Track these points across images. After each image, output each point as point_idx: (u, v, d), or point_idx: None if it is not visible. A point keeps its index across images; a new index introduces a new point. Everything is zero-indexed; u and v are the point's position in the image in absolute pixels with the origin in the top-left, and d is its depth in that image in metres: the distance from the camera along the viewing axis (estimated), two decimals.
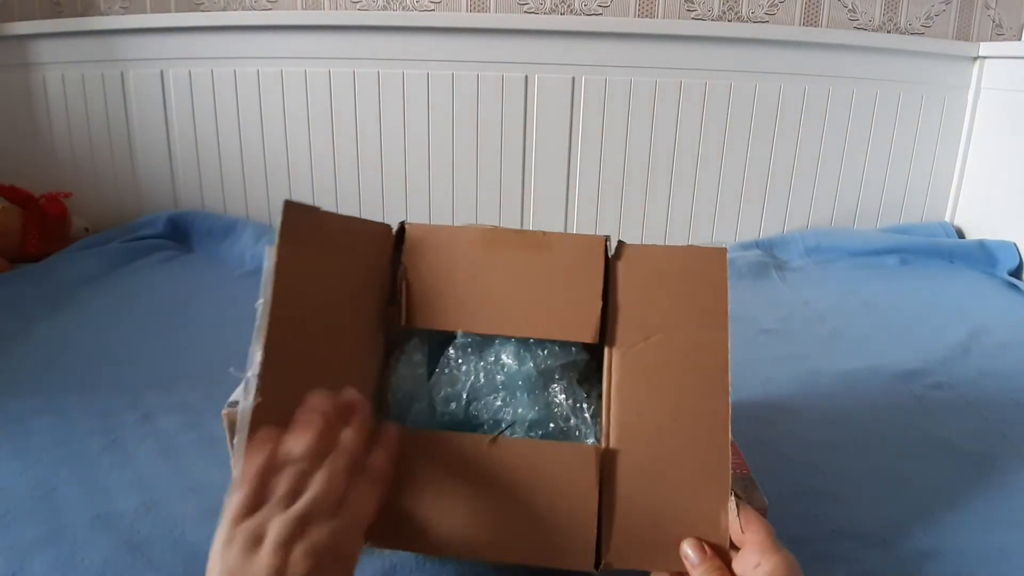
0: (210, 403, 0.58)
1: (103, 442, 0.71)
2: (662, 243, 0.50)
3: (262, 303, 0.47)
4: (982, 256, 1.35)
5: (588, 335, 0.51)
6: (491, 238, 0.54)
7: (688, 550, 0.45)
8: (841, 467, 0.69)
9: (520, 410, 0.51)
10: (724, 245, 0.52)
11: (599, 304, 0.51)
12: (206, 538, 0.55)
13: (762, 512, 0.54)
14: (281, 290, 0.48)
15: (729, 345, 0.49)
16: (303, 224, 0.50)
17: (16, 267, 1.27)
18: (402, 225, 0.55)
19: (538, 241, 0.53)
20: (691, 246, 0.53)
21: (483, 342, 0.54)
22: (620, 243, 0.53)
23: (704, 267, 0.51)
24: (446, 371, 0.53)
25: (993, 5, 1.44)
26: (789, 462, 0.69)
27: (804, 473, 0.68)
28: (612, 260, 0.53)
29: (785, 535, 0.56)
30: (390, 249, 0.55)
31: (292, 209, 0.49)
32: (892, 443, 0.74)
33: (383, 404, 0.54)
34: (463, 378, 0.53)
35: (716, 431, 0.48)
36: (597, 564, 0.47)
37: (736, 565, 0.44)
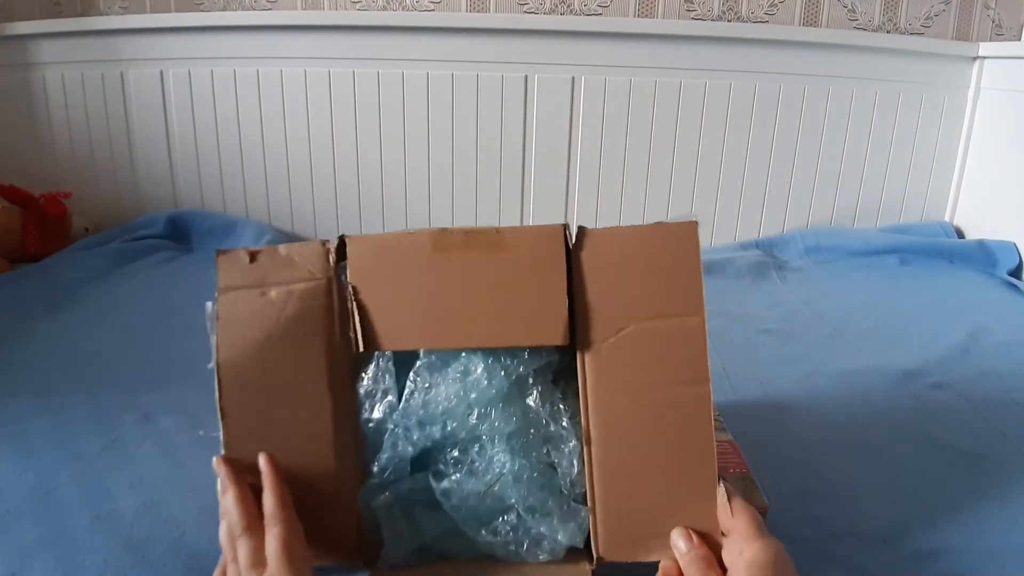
0: (210, 404, 0.58)
1: (103, 442, 0.71)
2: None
3: (214, 365, 0.48)
4: (982, 256, 1.35)
5: (557, 337, 0.48)
6: (441, 242, 0.49)
7: (676, 539, 0.45)
8: (841, 467, 0.69)
9: (497, 424, 0.49)
10: (695, 217, 0.48)
11: (564, 302, 0.48)
12: (206, 538, 0.56)
13: (762, 512, 0.54)
14: (227, 349, 0.48)
15: (706, 327, 0.47)
16: (240, 271, 0.50)
17: (16, 267, 1.27)
18: (342, 240, 0.51)
19: (492, 240, 0.49)
20: (658, 223, 0.48)
21: (449, 356, 0.51)
22: (580, 229, 0.49)
23: (674, 246, 0.48)
24: (415, 395, 0.51)
25: (993, 5, 1.44)
26: (789, 462, 0.69)
27: (804, 473, 0.68)
28: (574, 250, 0.49)
29: (785, 535, 0.56)
30: (331, 269, 0.51)
31: (226, 260, 0.49)
32: (892, 443, 0.74)
33: (357, 433, 0.52)
34: (433, 401, 0.50)
35: (699, 419, 0.47)
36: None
37: (724, 553, 0.44)
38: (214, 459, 0.48)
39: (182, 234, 1.46)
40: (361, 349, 0.49)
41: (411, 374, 0.51)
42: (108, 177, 1.53)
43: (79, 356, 0.92)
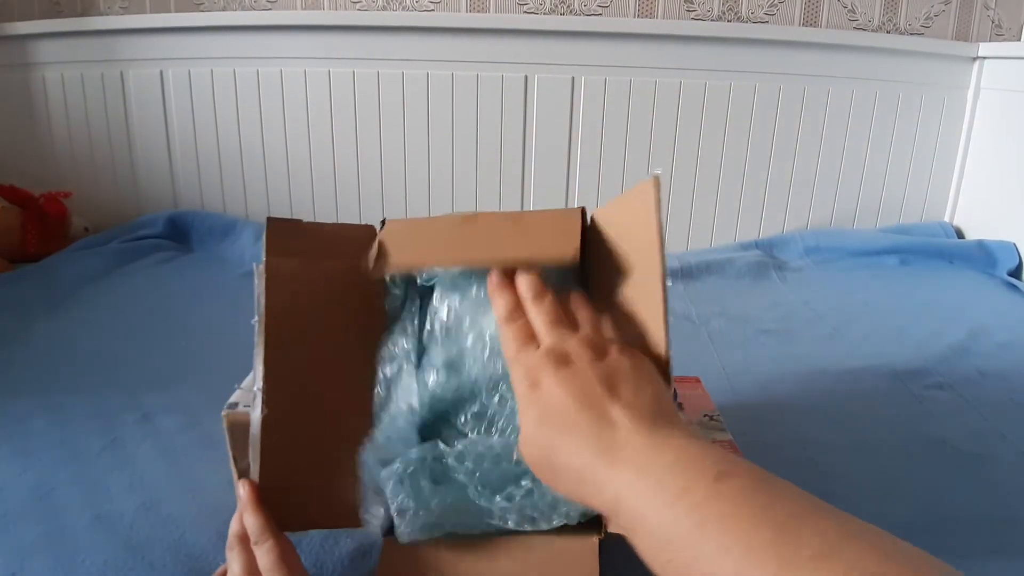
0: (210, 404, 0.58)
1: (103, 442, 0.70)
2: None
3: (257, 320, 0.48)
4: (982, 256, 1.35)
5: (569, 251, 0.49)
6: (470, 217, 0.54)
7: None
8: (841, 467, 0.69)
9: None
10: (659, 170, 0.48)
11: (578, 231, 0.50)
12: (206, 539, 0.56)
13: None
14: (274, 304, 0.49)
15: (663, 271, 0.44)
16: (288, 237, 0.51)
17: (16, 267, 1.27)
18: (384, 222, 0.56)
19: (518, 215, 0.54)
20: (632, 188, 0.49)
21: (461, 320, 0.51)
22: (593, 213, 0.54)
23: (636, 204, 0.48)
24: (434, 332, 0.51)
25: (993, 5, 1.44)
26: (789, 462, 0.69)
27: (804, 473, 0.68)
28: (586, 231, 0.53)
29: None
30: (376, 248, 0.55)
31: (275, 224, 0.51)
32: (892, 443, 0.74)
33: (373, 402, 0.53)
34: (452, 338, 0.51)
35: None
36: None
37: None
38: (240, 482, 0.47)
39: (182, 234, 1.46)
40: (371, 267, 0.52)
41: (427, 315, 0.52)
42: (108, 177, 1.53)
43: (79, 356, 0.92)
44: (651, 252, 0.45)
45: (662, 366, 0.43)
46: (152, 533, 0.57)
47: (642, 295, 0.45)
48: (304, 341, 0.50)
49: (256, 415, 0.47)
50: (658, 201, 0.45)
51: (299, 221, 0.53)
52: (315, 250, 0.52)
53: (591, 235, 0.53)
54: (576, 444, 0.37)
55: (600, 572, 0.46)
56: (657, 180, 0.45)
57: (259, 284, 0.49)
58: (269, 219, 0.51)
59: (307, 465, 0.49)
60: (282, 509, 0.46)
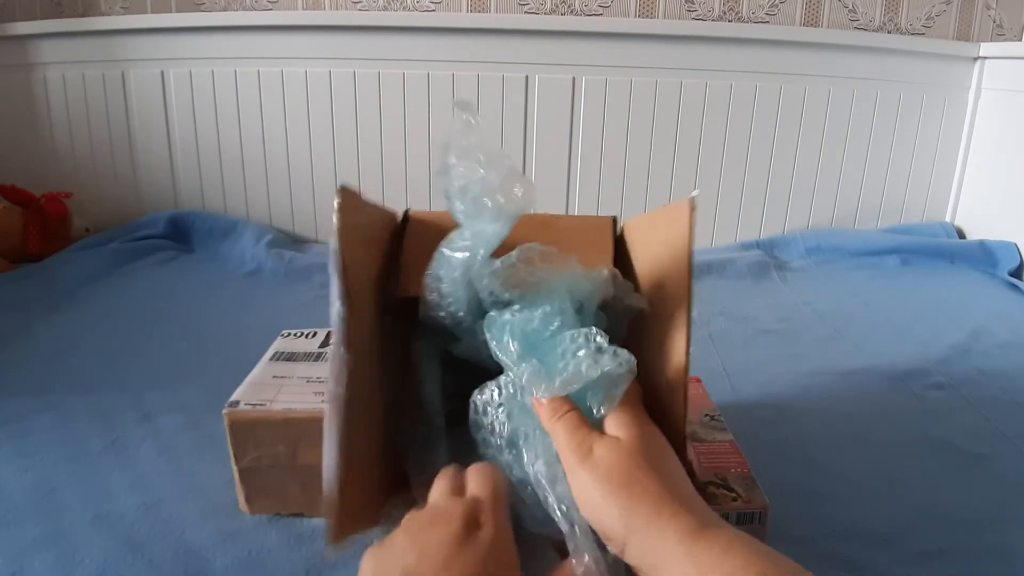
0: (210, 403, 0.58)
1: (103, 442, 0.71)
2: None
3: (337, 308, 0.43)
4: (983, 256, 1.34)
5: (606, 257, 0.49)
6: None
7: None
8: (841, 467, 0.69)
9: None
10: (696, 192, 0.46)
11: (611, 239, 0.51)
12: (206, 538, 0.56)
13: (763, 511, 0.54)
14: (353, 291, 0.44)
15: (690, 294, 0.44)
16: (354, 211, 0.48)
17: (16, 267, 1.27)
18: (406, 213, 0.55)
19: (547, 220, 0.53)
20: (666, 206, 0.48)
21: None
22: (624, 224, 0.53)
23: (670, 222, 0.47)
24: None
25: (994, 5, 1.44)
26: (789, 462, 0.69)
27: (804, 473, 0.68)
28: (616, 241, 0.52)
29: (786, 535, 0.56)
30: (400, 235, 0.53)
31: (347, 195, 0.47)
32: (892, 443, 0.74)
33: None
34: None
35: (674, 402, 0.44)
36: None
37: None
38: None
39: (183, 234, 1.46)
40: (401, 291, 0.50)
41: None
42: (109, 177, 1.53)
43: (79, 356, 0.92)
44: (680, 277, 0.44)
45: (679, 396, 0.43)
46: (152, 533, 0.57)
47: (666, 319, 0.45)
48: (370, 330, 0.46)
49: (340, 393, 0.41)
50: (693, 226, 0.44)
51: (358, 194, 0.49)
52: (367, 229, 0.50)
53: (620, 245, 0.52)
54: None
55: None
56: (694, 203, 0.44)
57: (336, 269, 0.44)
58: (342, 187, 0.47)
59: (361, 458, 0.44)
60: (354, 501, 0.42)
